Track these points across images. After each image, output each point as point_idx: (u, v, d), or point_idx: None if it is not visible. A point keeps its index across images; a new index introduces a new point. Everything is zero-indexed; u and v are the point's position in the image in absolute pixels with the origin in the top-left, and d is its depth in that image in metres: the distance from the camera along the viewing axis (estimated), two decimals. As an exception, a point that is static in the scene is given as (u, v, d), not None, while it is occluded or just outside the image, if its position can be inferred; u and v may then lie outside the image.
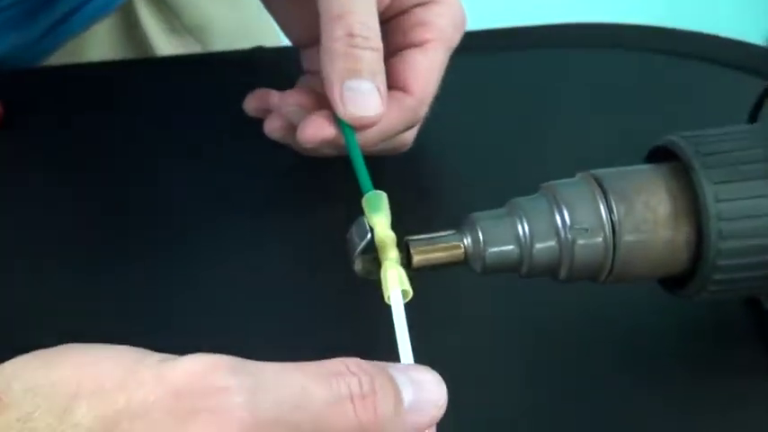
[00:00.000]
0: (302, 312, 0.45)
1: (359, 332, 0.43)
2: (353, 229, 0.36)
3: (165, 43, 0.67)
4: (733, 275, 0.37)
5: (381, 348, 0.34)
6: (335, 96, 0.43)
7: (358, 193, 0.39)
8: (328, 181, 0.48)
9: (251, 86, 0.55)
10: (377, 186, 0.39)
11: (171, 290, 0.46)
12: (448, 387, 0.32)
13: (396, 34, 0.47)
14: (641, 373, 0.42)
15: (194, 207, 0.50)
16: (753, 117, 0.42)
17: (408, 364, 0.32)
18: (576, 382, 0.42)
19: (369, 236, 0.36)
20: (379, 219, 0.37)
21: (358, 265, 0.36)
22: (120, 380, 0.28)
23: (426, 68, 0.46)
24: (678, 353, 0.42)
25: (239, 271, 0.46)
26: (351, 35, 0.43)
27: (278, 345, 0.42)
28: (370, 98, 0.43)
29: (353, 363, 0.30)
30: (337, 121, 0.44)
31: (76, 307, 0.45)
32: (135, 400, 0.28)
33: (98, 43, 0.66)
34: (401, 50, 0.47)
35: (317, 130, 0.44)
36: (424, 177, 0.50)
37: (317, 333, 0.43)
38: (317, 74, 0.49)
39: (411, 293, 0.35)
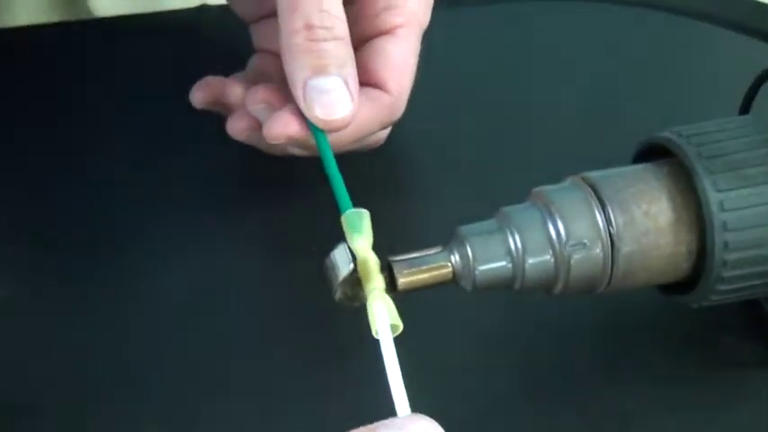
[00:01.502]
0: (270, 313, 0.41)
1: (334, 329, 0.40)
2: (334, 256, 0.33)
3: (104, 2, 0.61)
4: (737, 285, 0.35)
5: (360, 348, 0.32)
6: (299, 98, 0.39)
7: (326, 187, 0.36)
8: (292, 170, 0.44)
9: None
10: (349, 191, 0.36)
11: (121, 290, 0.42)
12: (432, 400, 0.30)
13: (361, 20, 0.43)
14: (635, 376, 0.39)
15: (140, 195, 0.46)
16: (746, 106, 0.39)
17: (404, 419, 0.30)
18: (563, 384, 0.39)
19: (351, 265, 0.33)
20: (362, 242, 0.33)
21: (339, 295, 0.33)
22: None
23: (401, 60, 0.42)
24: (674, 353, 0.40)
25: (197, 268, 0.43)
26: (309, 26, 0.39)
27: (242, 349, 0.40)
28: (339, 97, 0.39)
29: None
30: (307, 121, 0.40)
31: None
32: None
33: (28, 3, 0.60)
34: (368, 39, 0.43)
35: (285, 127, 0.40)
36: (400, 179, 0.46)
37: (286, 335, 0.40)
38: (269, 52, 0.44)
39: (401, 327, 0.32)
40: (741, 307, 0.40)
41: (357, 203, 0.36)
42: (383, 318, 0.32)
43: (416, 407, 0.32)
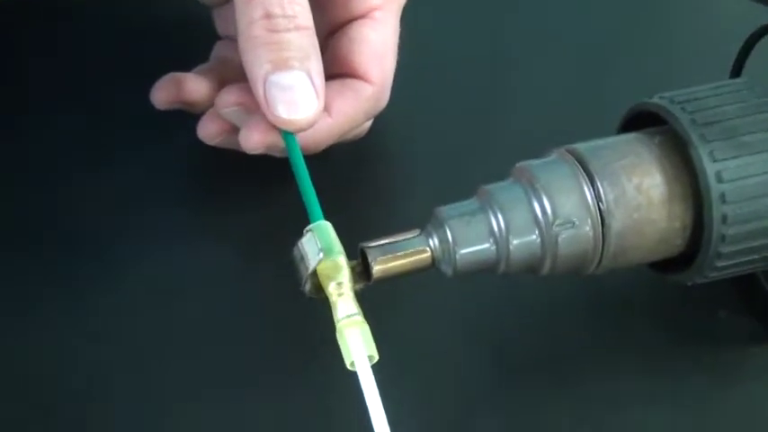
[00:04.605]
0: (236, 317, 0.38)
1: (308, 324, 0.37)
2: (302, 247, 0.31)
3: None
4: (736, 260, 0.33)
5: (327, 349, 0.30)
6: (260, 96, 0.36)
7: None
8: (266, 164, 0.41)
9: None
10: (320, 178, 0.33)
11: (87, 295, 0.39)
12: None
13: (333, 5, 0.39)
14: (628, 357, 0.37)
15: (99, 199, 0.42)
16: (737, 69, 0.37)
17: None
18: (553, 367, 0.37)
19: (320, 255, 0.30)
20: (330, 264, 0.31)
21: (309, 287, 0.31)
22: None
23: (380, 45, 0.39)
24: (667, 332, 0.38)
25: (162, 274, 0.40)
26: (269, 16, 0.35)
27: (214, 346, 0.37)
28: (303, 94, 0.36)
29: None
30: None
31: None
32: None
33: None
34: (343, 25, 0.39)
35: (264, 135, 0.36)
36: (371, 156, 0.42)
37: (259, 331, 0.38)
38: (235, 40, 0.40)
39: (377, 357, 0.29)
40: (735, 281, 0.38)
41: (328, 186, 0.34)
42: (358, 347, 0.29)
43: (400, 394, 0.30)
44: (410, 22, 0.42)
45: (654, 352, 0.38)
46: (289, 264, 0.31)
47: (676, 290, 0.38)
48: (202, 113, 0.41)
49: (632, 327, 0.38)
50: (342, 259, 0.31)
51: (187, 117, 0.41)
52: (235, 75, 0.40)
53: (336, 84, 0.39)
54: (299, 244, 0.31)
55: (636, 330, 0.38)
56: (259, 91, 0.36)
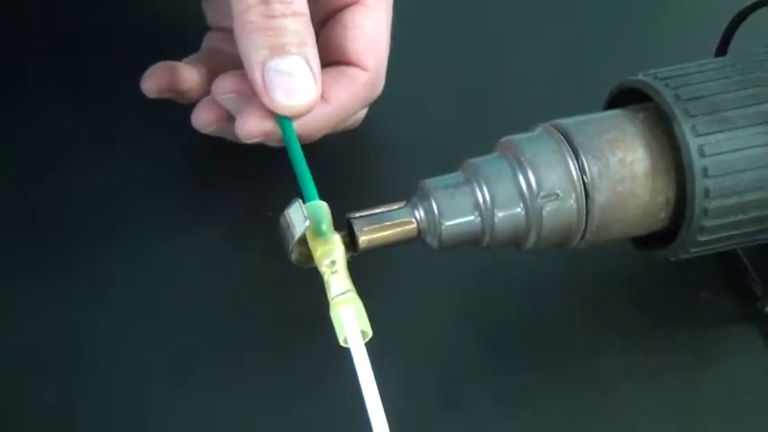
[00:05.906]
0: (235, 310, 0.39)
1: (287, 315, 0.38)
2: (288, 215, 0.31)
3: None
4: (718, 235, 0.33)
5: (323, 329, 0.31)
6: (257, 82, 0.35)
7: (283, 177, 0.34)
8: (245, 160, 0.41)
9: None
10: (312, 161, 0.34)
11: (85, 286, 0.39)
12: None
13: None
14: (612, 336, 0.38)
15: (97, 196, 0.42)
16: (723, 48, 0.37)
17: None
18: (536, 346, 0.38)
19: (306, 223, 0.30)
20: (324, 242, 0.31)
21: (296, 255, 0.31)
22: None
23: (374, 32, 0.39)
24: (651, 310, 0.38)
25: (157, 263, 0.40)
26: (265, 2, 0.35)
27: (204, 337, 0.37)
28: (301, 79, 0.35)
29: None
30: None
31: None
32: None
33: None
34: (335, 12, 0.39)
35: (261, 122, 0.36)
36: (358, 131, 0.42)
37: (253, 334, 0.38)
38: (226, 31, 0.40)
39: (370, 333, 0.30)
40: (717, 259, 0.38)
41: (319, 168, 0.34)
42: (352, 324, 0.30)
43: (386, 374, 0.30)
44: (395, 5, 0.42)
45: (638, 331, 0.38)
46: (276, 234, 0.31)
47: (661, 270, 0.39)
48: (193, 104, 0.41)
49: (617, 306, 0.38)
50: (336, 237, 0.31)
51: (183, 109, 0.41)
52: (225, 65, 0.40)
53: (332, 71, 0.39)
54: (286, 212, 0.31)
55: (620, 309, 0.38)
56: (257, 77, 0.36)
